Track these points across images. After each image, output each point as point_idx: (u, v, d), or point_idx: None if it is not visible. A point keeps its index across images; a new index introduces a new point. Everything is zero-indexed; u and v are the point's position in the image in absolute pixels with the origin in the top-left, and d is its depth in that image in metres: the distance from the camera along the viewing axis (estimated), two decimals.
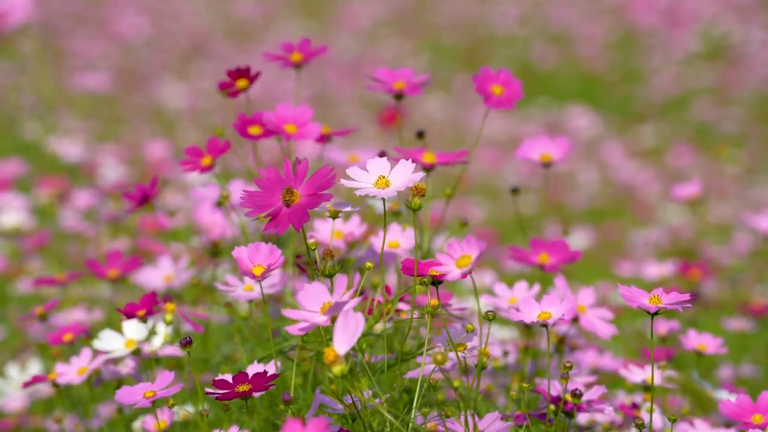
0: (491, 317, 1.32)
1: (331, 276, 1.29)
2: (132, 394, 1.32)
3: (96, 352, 1.56)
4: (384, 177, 1.29)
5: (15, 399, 2.01)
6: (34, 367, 2.00)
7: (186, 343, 1.31)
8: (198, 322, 1.68)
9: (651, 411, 1.38)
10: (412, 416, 1.30)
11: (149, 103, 5.87)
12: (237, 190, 1.71)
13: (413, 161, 1.31)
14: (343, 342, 1.14)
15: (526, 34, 7.62)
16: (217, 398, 1.28)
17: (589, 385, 1.45)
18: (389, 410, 1.28)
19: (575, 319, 1.60)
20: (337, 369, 1.14)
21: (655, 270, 2.53)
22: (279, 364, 1.40)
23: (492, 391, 1.67)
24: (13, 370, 1.99)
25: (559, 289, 1.61)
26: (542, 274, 1.62)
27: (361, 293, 1.35)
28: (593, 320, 1.58)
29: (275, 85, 5.78)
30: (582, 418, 1.58)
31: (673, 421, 1.38)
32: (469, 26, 7.81)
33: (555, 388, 1.42)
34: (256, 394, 1.29)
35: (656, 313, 1.30)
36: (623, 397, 1.69)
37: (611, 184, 5.05)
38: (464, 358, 1.33)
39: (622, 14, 7.93)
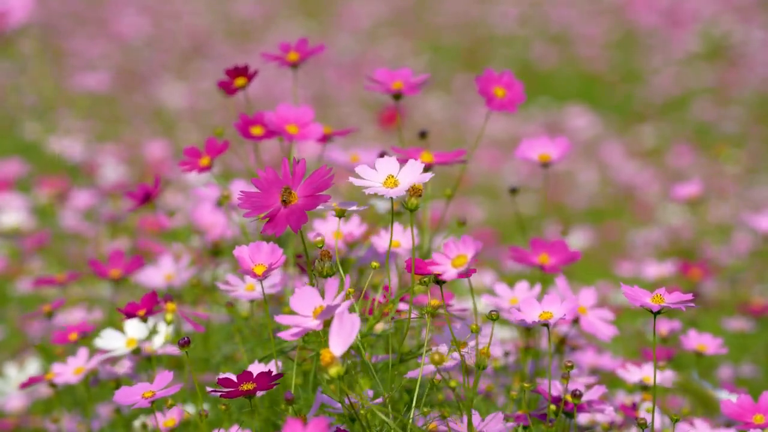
0: (495, 317, 1.32)
1: (329, 277, 1.29)
2: (131, 395, 1.32)
3: (93, 353, 1.56)
4: (393, 176, 1.29)
5: (15, 399, 2.01)
6: (33, 367, 2.00)
7: (184, 343, 1.31)
8: (198, 321, 1.68)
9: (652, 411, 1.38)
10: (411, 416, 1.30)
11: (149, 103, 5.87)
12: (238, 190, 1.71)
13: (413, 161, 1.31)
14: (338, 344, 1.14)
15: (526, 34, 7.62)
16: (221, 396, 1.28)
17: (589, 386, 1.45)
18: (385, 411, 1.28)
19: (575, 320, 1.60)
20: (334, 371, 1.14)
21: (655, 270, 2.53)
22: (279, 364, 1.40)
23: (492, 391, 1.67)
24: (11, 370, 1.99)
25: (560, 289, 1.61)
26: (542, 274, 1.62)
27: (361, 294, 1.35)
28: (594, 321, 1.58)
29: (275, 84, 5.78)
30: (582, 419, 1.58)
31: (675, 421, 1.38)
32: (469, 26, 7.81)
33: (555, 388, 1.42)
34: (259, 394, 1.29)
35: (659, 313, 1.30)
36: (623, 397, 1.69)
37: (611, 184, 5.05)
38: (465, 357, 1.33)
39: (622, 14, 7.93)
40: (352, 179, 1.30)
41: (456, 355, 1.33)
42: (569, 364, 1.35)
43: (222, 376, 1.31)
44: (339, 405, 1.32)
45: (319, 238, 1.32)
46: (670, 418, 1.38)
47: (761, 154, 5.43)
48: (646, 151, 5.56)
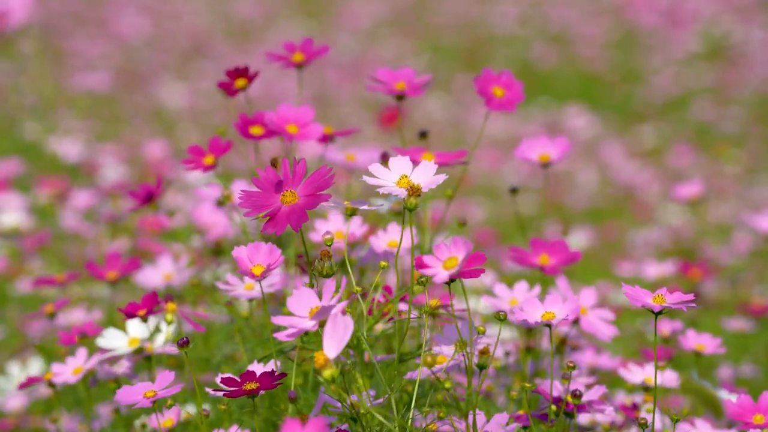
0: (503, 317, 1.32)
1: (329, 277, 1.29)
2: (132, 394, 1.32)
3: (91, 352, 1.56)
4: (406, 176, 1.29)
5: (15, 398, 2.01)
6: (35, 366, 2.00)
7: (183, 344, 1.31)
8: (199, 321, 1.68)
9: (653, 411, 1.38)
10: (411, 416, 1.30)
11: (149, 103, 5.87)
12: (239, 189, 1.70)
13: (412, 161, 1.31)
14: (332, 346, 1.14)
15: (526, 34, 7.62)
16: (224, 395, 1.29)
17: (589, 386, 1.45)
18: (382, 412, 1.28)
19: (576, 321, 1.60)
20: (327, 373, 1.14)
21: (655, 270, 2.53)
22: (279, 363, 1.40)
23: (492, 391, 1.67)
24: (14, 368, 1.99)
25: (561, 289, 1.61)
26: (543, 274, 1.62)
27: (363, 294, 1.35)
28: (594, 321, 1.58)
29: (275, 85, 5.78)
30: (583, 419, 1.58)
31: (676, 421, 1.38)
32: (469, 26, 7.81)
33: (556, 388, 1.42)
34: (261, 393, 1.29)
35: (660, 313, 1.30)
36: (623, 398, 1.69)
37: (611, 184, 5.05)
38: (465, 357, 1.33)
39: (622, 14, 7.93)
40: (365, 178, 1.30)
41: (450, 354, 1.33)
42: (571, 365, 1.35)
43: (223, 375, 1.31)
44: (340, 405, 1.32)
45: (328, 236, 1.32)
46: (670, 418, 1.38)
47: (761, 154, 5.43)
48: (646, 151, 5.56)
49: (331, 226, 1.57)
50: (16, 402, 2.02)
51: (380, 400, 1.34)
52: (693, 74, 6.80)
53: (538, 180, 4.75)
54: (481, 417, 1.34)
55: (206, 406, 1.56)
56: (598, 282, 2.95)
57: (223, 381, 1.29)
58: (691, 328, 1.70)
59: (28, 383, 1.55)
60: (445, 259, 1.28)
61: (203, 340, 1.90)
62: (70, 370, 1.54)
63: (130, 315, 1.48)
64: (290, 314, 1.22)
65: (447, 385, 1.28)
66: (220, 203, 1.67)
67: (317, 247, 1.58)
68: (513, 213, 4.28)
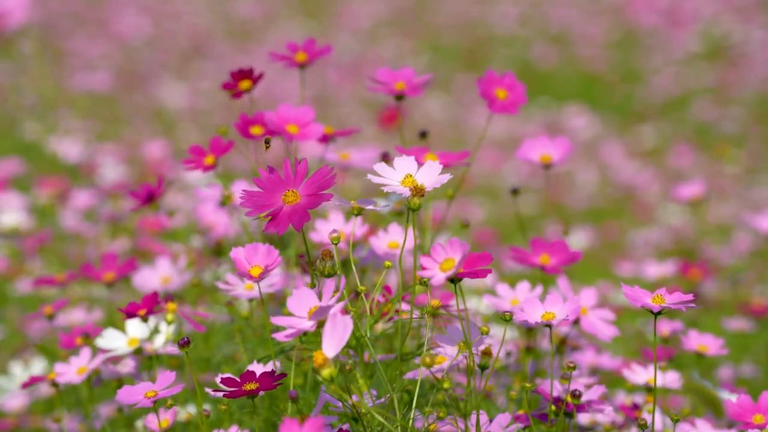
0: (508, 318, 1.32)
1: (330, 277, 1.29)
2: (133, 394, 1.32)
3: (95, 352, 1.56)
4: (411, 176, 1.30)
5: (15, 398, 2.01)
6: (37, 366, 2.00)
7: (184, 344, 1.31)
8: (199, 321, 1.68)
9: (653, 411, 1.38)
10: (412, 416, 1.29)
11: (149, 103, 5.87)
12: (240, 189, 1.70)
13: (415, 161, 1.31)
14: (331, 346, 1.14)
15: (526, 34, 7.62)
16: (224, 395, 1.29)
17: (589, 386, 1.45)
18: (382, 413, 1.28)
19: (576, 321, 1.60)
20: (326, 372, 1.14)
21: (655, 270, 2.53)
22: (278, 364, 1.40)
23: (492, 391, 1.67)
24: (16, 368, 1.99)
25: (562, 289, 1.61)
26: (543, 274, 1.62)
27: (364, 294, 1.35)
28: (594, 321, 1.58)
29: (275, 85, 5.77)
30: (583, 419, 1.58)
31: (676, 422, 1.38)
32: (469, 26, 7.81)
33: (555, 388, 1.42)
34: (260, 393, 1.29)
35: (659, 313, 1.30)
36: (623, 397, 1.69)
37: (611, 184, 5.05)
38: (465, 357, 1.33)
39: (622, 14, 7.93)
40: (370, 176, 1.30)
41: (453, 355, 1.33)
42: (571, 365, 1.35)
43: (223, 376, 1.31)
44: (341, 405, 1.32)
45: (335, 235, 1.32)
46: (670, 418, 1.38)
47: (761, 154, 5.43)
48: (646, 151, 5.56)
49: (332, 226, 1.57)
50: (16, 402, 2.02)
51: (382, 400, 1.34)
52: (693, 74, 6.80)
53: (538, 180, 4.75)
54: (482, 417, 1.34)
55: (207, 406, 1.56)
56: (598, 282, 2.95)
57: (223, 381, 1.29)
58: (692, 329, 1.70)
59: (32, 382, 1.55)
60: (441, 261, 1.28)
61: (203, 340, 1.90)
62: (74, 370, 1.53)
63: (131, 315, 1.47)
64: (290, 314, 1.22)
65: (445, 384, 1.28)
66: (222, 203, 1.67)
67: (318, 247, 1.58)
68: (513, 213, 4.28)
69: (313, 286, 1.32)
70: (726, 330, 2.48)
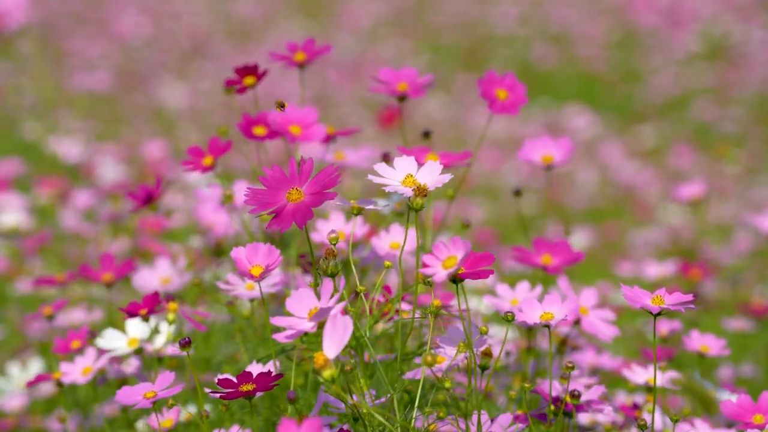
0: (510, 318, 1.32)
1: (333, 276, 1.29)
2: (132, 395, 1.32)
3: (100, 352, 1.56)
4: (411, 176, 1.30)
5: (14, 398, 2.01)
6: (36, 367, 2.00)
7: (185, 344, 1.31)
8: (200, 321, 1.68)
9: (653, 411, 1.38)
10: (414, 416, 1.29)
11: (149, 103, 5.87)
12: (240, 190, 1.70)
13: (417, 161, 1.31)
14: (332, 346, 1.14)
15: (526, 34, 7.62)
16: (221, 397, 1.28)
17: (588, 386, 1.45)
18: (382, 413, 1.28)
19: (576, 321, 1.60)
20: (327, 373, 1.14)
21: (655, 270, 2.53)
22: (278, 363, 1.40)
23: (492, 391, 1.67)
24: (14, 369, 1.99)
25: (563, 289, 1.61)
26: (544, 274, 1.62)
27: (364, 294, 1.35)
28: (595, 321, 1.58)
29: (275, 85, 5.77)
30: (583, 419, 1.58)
31: (676, 422, 1.38)
32: (469, 26, 7.81)
33: (555, 388, 1.42)
34: (258, 394, 1.29)
35: (659, 314, 1.30)
36: (623, 397, 1.69)
37: (611, 184, 5.05)
38: (466, 357, 1.33)
39: (622, 14, 7.93)
40: (371, 176, 1.30)
41: (453, 354, 1.33)
42: (570, 365, 1.35)
43: (222, 376, 1.31)
44: (342, 405, 1.32)
45: (333, 235, 1.32)
46: (670, 418, 1.38)
47: (761, 154, 5.43)
48: (646, 151, 5.56)
49: (333, 226, 1.57)
50: (16, 402, 2.02)
51: (382, 399, 1.34)
52: (693, 74, 6.80)
53: (539, 180, 4.75)
54: (483, 417, 1.34)
55: (208, 406, 1.56)
56: (598, 282, 2.95)
57: (220, 382, 1.29)
58: (692, 329, 1.70)
59: (37, 381, 1.54)
60: (444, 259, 1.28)
61: (204, 340, 1.90)
62: (79, 369, 1.53)
63: (132, 314, 1.47)
64: (290, 315, 1.22)
65: (447, 384, 1.28)
66: (223, 203, 1.67)
67: (319, 247, 1.58)
68: (513, 213, 4.28)
69: (316, 285, 1.32)
70: (726, 330, 2.48)
